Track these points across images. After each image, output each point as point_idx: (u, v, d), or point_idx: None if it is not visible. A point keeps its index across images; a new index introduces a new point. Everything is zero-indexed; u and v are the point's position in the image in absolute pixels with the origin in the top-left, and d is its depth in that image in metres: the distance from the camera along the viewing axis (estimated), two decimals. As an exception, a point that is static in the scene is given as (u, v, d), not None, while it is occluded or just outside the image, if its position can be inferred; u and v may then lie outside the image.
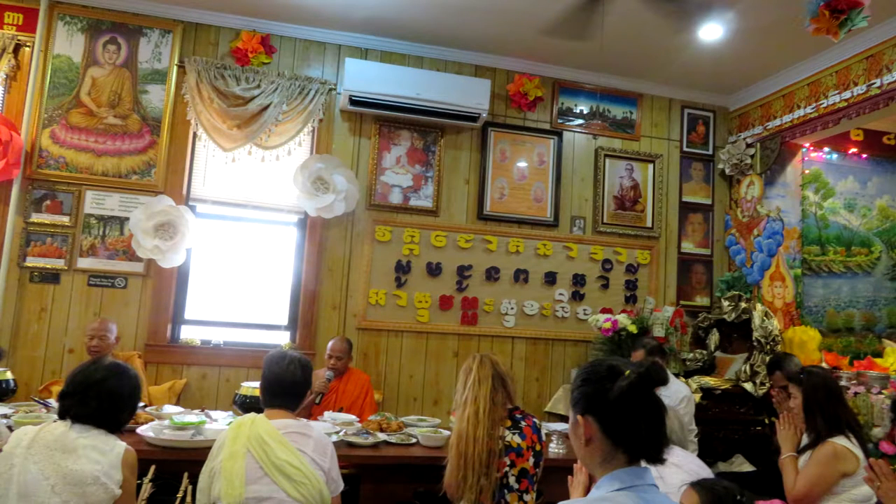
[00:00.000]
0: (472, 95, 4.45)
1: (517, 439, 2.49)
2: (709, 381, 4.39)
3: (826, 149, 5.47)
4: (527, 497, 2.48)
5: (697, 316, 5.00)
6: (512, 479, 2.46)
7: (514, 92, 4.78)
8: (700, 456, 4.04)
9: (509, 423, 2.52)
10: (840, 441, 2.51)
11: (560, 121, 4.95)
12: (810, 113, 4.51)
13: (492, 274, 4.69)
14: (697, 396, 4.17)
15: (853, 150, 5.60)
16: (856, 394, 3.88)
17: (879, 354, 4.70)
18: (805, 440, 2.67)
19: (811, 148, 5.33)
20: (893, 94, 3.86)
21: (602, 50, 4.39)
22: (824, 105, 4.39)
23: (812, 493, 2.50)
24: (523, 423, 2.55)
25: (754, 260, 4.95)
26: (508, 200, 4.80)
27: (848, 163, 5.63)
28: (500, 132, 4.83)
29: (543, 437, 2.67)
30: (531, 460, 2.51)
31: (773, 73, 4.77)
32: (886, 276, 5.66)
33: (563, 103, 4.96)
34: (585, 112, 5.01)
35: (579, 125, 5.00)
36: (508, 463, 2.46)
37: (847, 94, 4.21)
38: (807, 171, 5.36)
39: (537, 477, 2.55)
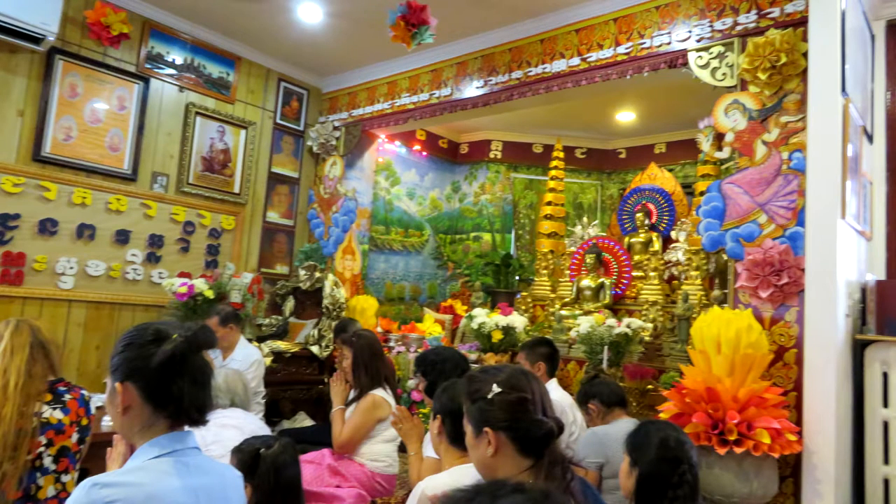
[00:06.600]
0: (36, 11, 3.70)
1: (58, 415, 2.20)
2: (280, 345, 4.63)
3: (397, 142, 6.31)
4: (65, 478, 2.22)
5: (276, 283, 5.21)
6: (48, 460, 2.17)
7: (93, 20, 4.13)
8: (268, 416, 4.27)
9: (49, 397, 2.22)
10: (378, 392, 2.93)
11: (148, 66, 4.50)
12: (386, 109, 5.12)
13: (47, 227, 4.01)
14: (269, 360, 4.36)
15: (417, 147, 6.60)
16: (398, 353, 4.60)
17: (420, 320, 5.68)
18: (353, 395, 3.04)
19: (386, 139, 6.07)
20: (446, 105, 4.67)
21: None
22: (398, 104, 5.03)
23: (354, 438, 2.87)
24: (68, 397, 2.27)
25: (331, 234, 5.39)
26: (77, 144, 4.17)
27: (413, 157, 6.61)
28: (73, 63, 4.14)
29: (93, 410, 2.43)
30: (75, 437, 2.25)
31: (361, 67, 5.24)
32: (431, 256, 6.85)
33: (153, 47, 4.53)
34: (179, 63, 4.67)
35: (171, 75, 4.63)
36: (45, 442, 2.16)
37: (415, 98, 4.91)
38: (381, 160, 6.09)
39: (81, 455, 2.30)
